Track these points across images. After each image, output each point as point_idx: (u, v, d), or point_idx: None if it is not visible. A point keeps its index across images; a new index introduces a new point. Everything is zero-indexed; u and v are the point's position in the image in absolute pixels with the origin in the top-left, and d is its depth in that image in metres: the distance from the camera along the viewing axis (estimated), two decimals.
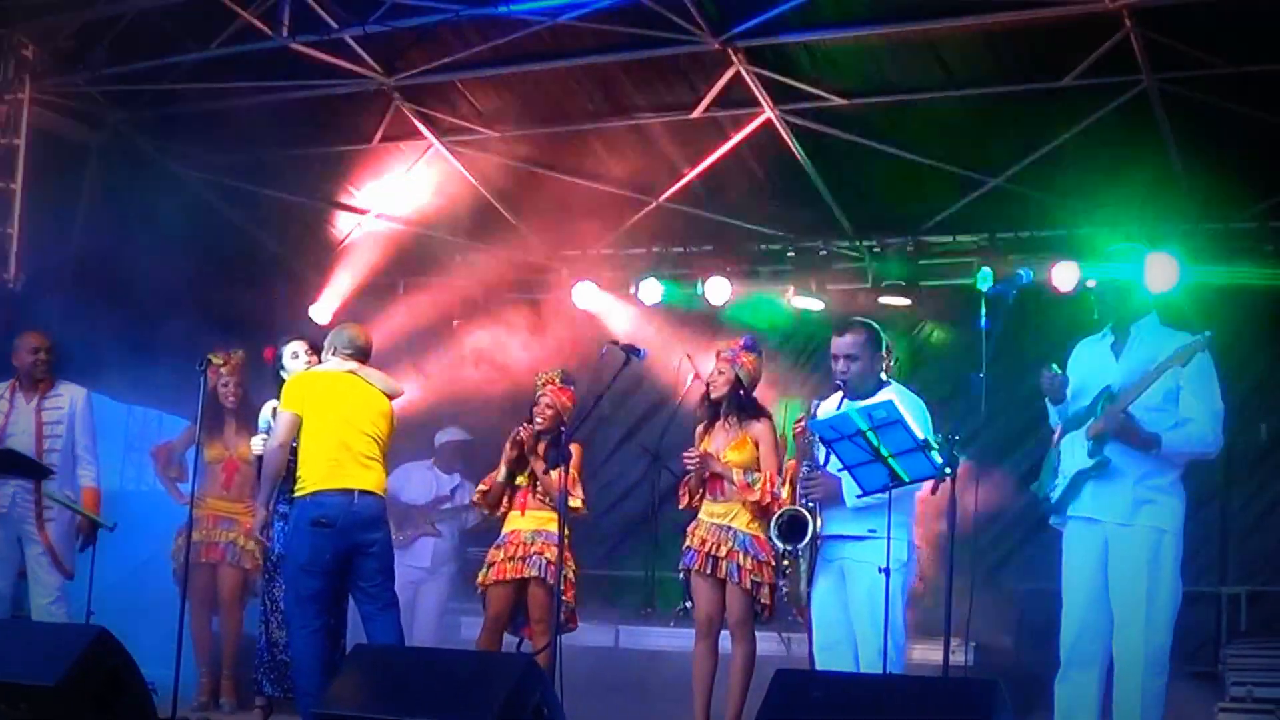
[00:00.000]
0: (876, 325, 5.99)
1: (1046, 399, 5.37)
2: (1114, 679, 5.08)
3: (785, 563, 5.86)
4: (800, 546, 5.62)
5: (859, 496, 5.53)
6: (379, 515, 6.47)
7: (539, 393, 7.21)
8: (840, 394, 5.81)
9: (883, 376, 5.86)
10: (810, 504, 5.70)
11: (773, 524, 5.88)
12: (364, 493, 6.36)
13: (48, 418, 7.39)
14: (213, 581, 7.85)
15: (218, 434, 7.78)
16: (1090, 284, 5.33)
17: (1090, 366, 5.31)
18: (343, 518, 6.29)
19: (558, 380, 7.23)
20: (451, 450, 9.67)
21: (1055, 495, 5.27)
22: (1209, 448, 5.15)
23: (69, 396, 7.46)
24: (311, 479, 6.34)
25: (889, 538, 5.39)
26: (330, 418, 6.41)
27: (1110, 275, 5.28)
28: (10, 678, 5.43)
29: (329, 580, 6.32)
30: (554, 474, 6.62)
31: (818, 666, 5.73)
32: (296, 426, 6.41)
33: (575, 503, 6.83)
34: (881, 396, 5.58)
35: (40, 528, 7.29)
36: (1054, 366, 5.27)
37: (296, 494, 6.41)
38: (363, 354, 6.64)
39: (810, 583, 5.73)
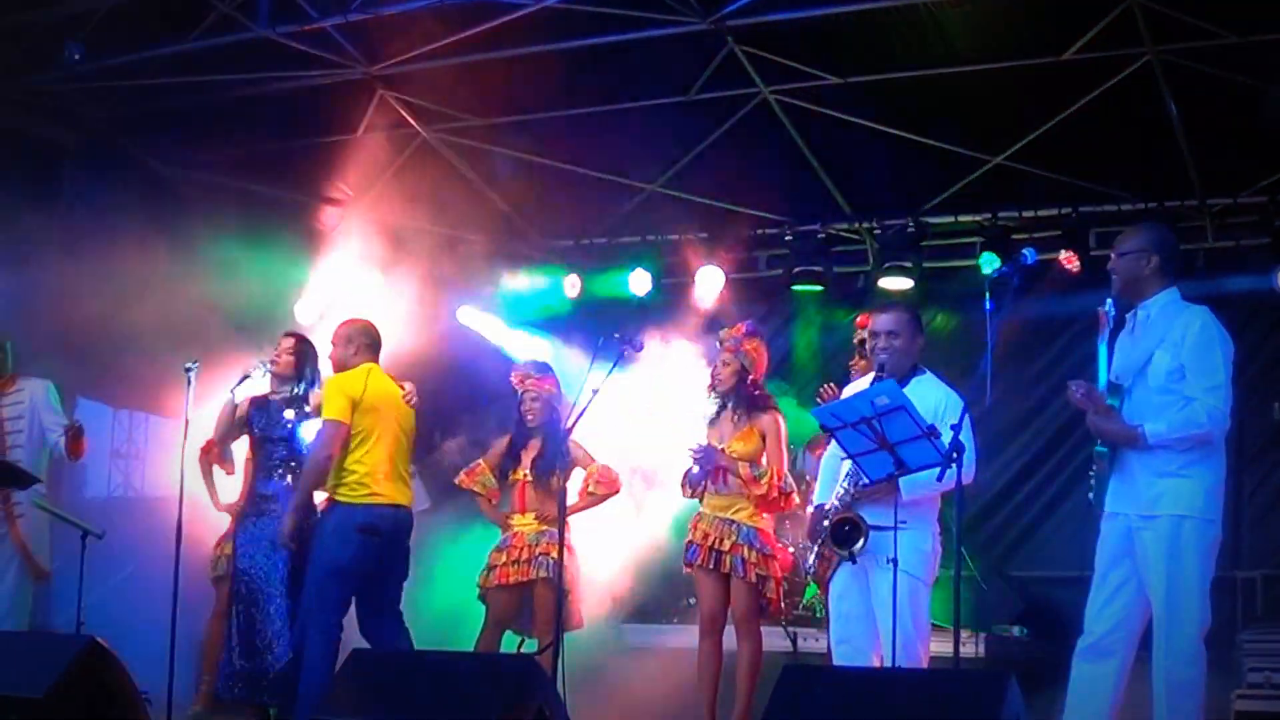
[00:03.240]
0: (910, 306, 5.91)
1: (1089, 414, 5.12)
2: (1151, 670, 4.91)
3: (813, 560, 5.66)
4: (856, 550, 5.39)
5: (865, 485, 5.36)
6: (411, 528, 6.49)
7: (521, 390, 7.07)
8: (873, 376, 5.63)
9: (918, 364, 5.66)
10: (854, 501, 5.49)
11: (825, 530, 5.62)
12: (405, 508, 6.42)
13: (8, 414, 7.26)
14: None
15: None
16: (1111, 263, 5.11)
17: (1118, 357, 5.13)
18: (391, 529, 6.30)
19: (533, 372, 7.10)
20: None
21: (1092, 494, 5.11)
22: (1206, 427, 4.88)
23: (29, 391, 7.33)
24: (366, 487, 6.24)
25: (895, 528, 5.21)
26: (382, 427, 6.32)
27: (1122, 252, 5.09)
28: None
29: (359, 585, 6.29)
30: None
31: (835, 660, 5.57)
32: (346, 438, 6.25)
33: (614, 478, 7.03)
34: (926, 389, 5.44)
35: (11, 527, 7.12)
36: (1072, 383, 5.04)
37: (343, 498, 6.24)
38: (378, 352, 6.56)
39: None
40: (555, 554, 6.68)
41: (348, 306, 9.00)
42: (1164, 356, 4.94)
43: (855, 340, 6.60)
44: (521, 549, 6.94)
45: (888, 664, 5.25)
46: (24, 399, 7.29)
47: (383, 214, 9.86)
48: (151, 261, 8.24)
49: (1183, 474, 4.91)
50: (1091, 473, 5.08)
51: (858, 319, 6.65)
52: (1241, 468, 8.59)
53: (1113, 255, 5.12)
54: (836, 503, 5.49)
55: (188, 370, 6.75)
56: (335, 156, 9.36)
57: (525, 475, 7.01)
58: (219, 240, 9.41)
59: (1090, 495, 5.10)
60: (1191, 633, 4.85)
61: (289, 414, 6.74)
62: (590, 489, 7.05)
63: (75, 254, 8.32)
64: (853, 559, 5.38)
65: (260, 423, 6.79)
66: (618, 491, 7.15)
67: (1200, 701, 4.85)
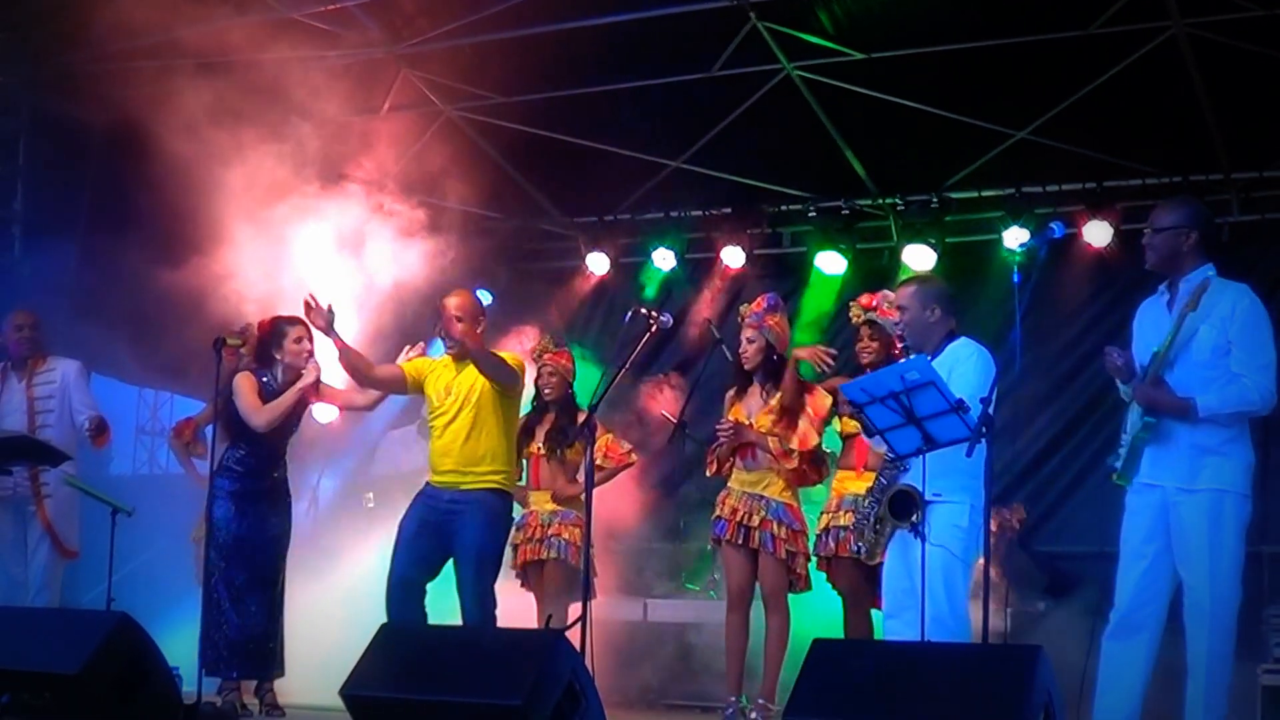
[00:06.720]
0: (934, 279, 5.84)
1: (1118, 381, 5.15)
2: (1186, 644, 4.90)
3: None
4: (916, 520, 5.26)
5: (895, 459, 5.35)
6: None
7: (539, 366, 7.10)
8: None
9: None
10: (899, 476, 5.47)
11: (884, 503, 5.54)
12: None
13: (39, 393, 7.31)
14: None
15: None
16: (1147, 238, 5.07)
17: (1149, 328, 5.11)
18: None
19: (551, 347, 7.15)
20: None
21: (1119, 463, 5.09)
22: (1256, 405, 4.89)
23: (60, 370, 7.37)
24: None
25: (924, 503, 5.21)
26: None
27: (1160, 228, 5.05)
28: (33, 666, 5.34)
29: None
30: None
31: (885, 634, 5.56)
32: None
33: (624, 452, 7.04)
34: (951, 350, 5.39)
35: (39, 506, 7.17)
36: (1111, 350, 5.04)
37: (508, 486, 6.26)
38: None
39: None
40: (567, 535, 6.82)
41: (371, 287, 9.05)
42: (1210, 332, 4.91)
43: (852, 321, 6.48)
44: (535, 528, 7.05)
45: (930, 635, 5.24)
46: (55, 378, 7.33)
47: (405, 193, 9.86)
48: (175, 241, 8.26)
49: (1223, 451, 4.92)
50: (1122, 442, 5.06)
51: (857, 301, 6.55)
52: (1268, 440, 8.53)
53: (1148, 230, 5.07)
54: (883, 479, 5.48)
55: (219, 345, 6.70)
56: (360, 136, 9.36)
57: (538, 449, 7.06)
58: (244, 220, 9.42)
59: (1116, 464, 5.07)
60: (1232, 608, 4.86)
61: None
62: (599, 463, 7.05)
63: (101, 233, 8.36)
64: (915, 530, 5.28)
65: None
66: (627, 465, 7.17)
67: (1229, 676, 4.87)
